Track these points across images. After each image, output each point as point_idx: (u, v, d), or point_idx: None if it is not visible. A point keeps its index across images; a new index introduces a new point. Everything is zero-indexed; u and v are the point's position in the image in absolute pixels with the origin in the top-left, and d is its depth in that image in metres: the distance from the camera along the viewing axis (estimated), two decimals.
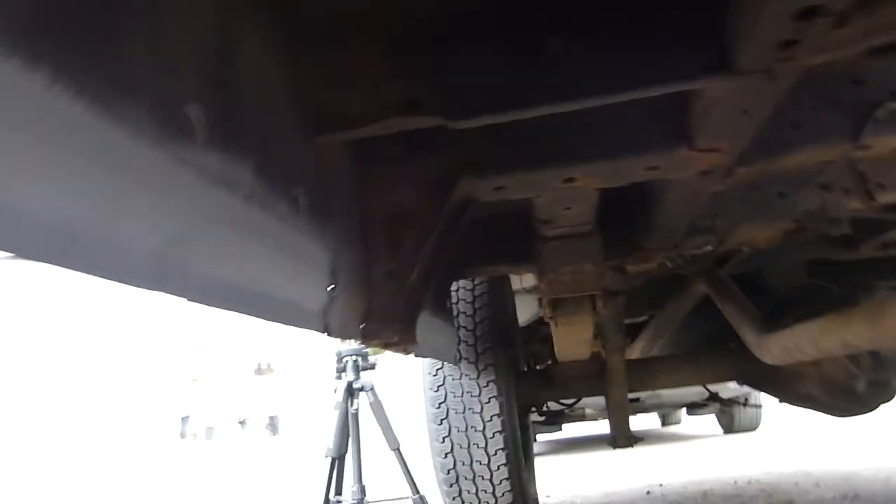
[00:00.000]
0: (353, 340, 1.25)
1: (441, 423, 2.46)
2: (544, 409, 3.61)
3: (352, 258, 1.18)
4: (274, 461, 10.58)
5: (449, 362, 2.40)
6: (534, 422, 3.44)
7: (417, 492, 2.71)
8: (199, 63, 0.71)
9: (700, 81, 1.02)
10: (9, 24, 0.45)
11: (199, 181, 0.69)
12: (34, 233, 0.52)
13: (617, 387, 2.66)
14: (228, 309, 0.79)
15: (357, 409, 2.77)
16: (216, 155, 0.71)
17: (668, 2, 1.00)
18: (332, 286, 1.07)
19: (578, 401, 3.23)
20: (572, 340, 2.23)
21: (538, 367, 3.27)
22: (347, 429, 2.74)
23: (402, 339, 1.28)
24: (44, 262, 0.53)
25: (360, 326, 1.23)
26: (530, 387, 2.86)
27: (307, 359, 23.35)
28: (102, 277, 0.59)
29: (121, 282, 0.61)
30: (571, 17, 1.05)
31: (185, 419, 22.96)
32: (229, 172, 0.74)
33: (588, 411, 5.48)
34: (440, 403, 2.46)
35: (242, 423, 24.03)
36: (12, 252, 0.50)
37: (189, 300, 0.69)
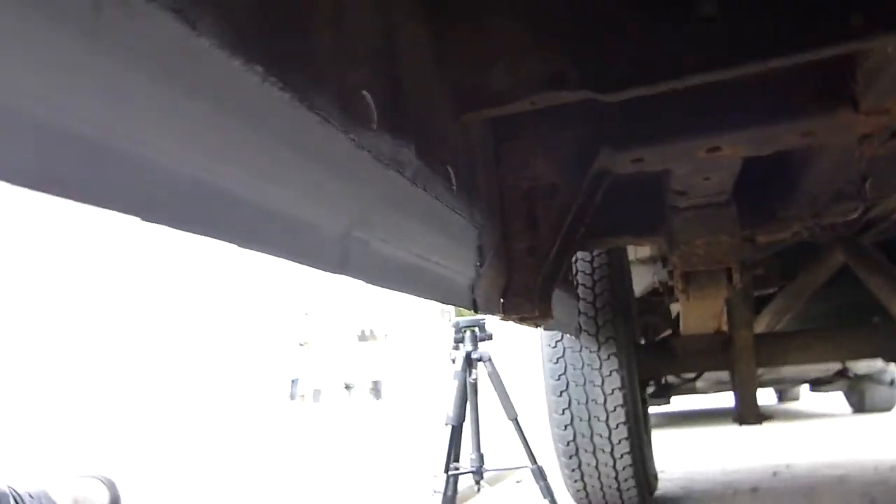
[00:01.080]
0: (492, 315, 1.26)
1: (561, 395, 2.46)
2: (661, 382, 3.53)
3: (494, 234, 1.18)
4: (380, 425, 10.98)
5: (570, 334, 2.39)
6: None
7: (535, 462, 2.73)
8: (369, 53, 0.72)
9: (876, 39, 0.94)
10: (233, 24, 0.47)
11: (375, 164, 0.70)
12: (240, 218, 0.55)
13: (744, 362, 2.55)
14: (396, 289, 0.81)
15: (475, 379, 2.81)
16: (387, 138, 0.73)
17: None
18: (480, 262, 1.08)
19: (700, 375, 3.13)
20: (702, 314, 2.15)
21: (656, 340, 3.19)
22: (466, 398, 2.78)
23: (541, 313, 1.28)
24: (244, 247, 0.56)
25: (501, 301, 1.24)
26: (651, 360, 2.80)
27: (408, 326, 23.95)
28: (293, 261, 0.62)
29: (309, 265, 0.64)
30: None
31: (294, 381, 24.24)
32: (397, 154, 0.75)
33: (699, 384, 5.29)
34: (560, 375, 2.46)
35: (348, 387, 25.07)
36: (218, 238, 0.53)
37: (367, 282, 0.72)
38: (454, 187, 0.95)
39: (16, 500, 1.85)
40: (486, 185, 1.17)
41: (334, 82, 0.63)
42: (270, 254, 0.58)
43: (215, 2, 0.46)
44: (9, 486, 1.88)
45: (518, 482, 3.54)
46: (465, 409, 2.78)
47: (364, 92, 0.69)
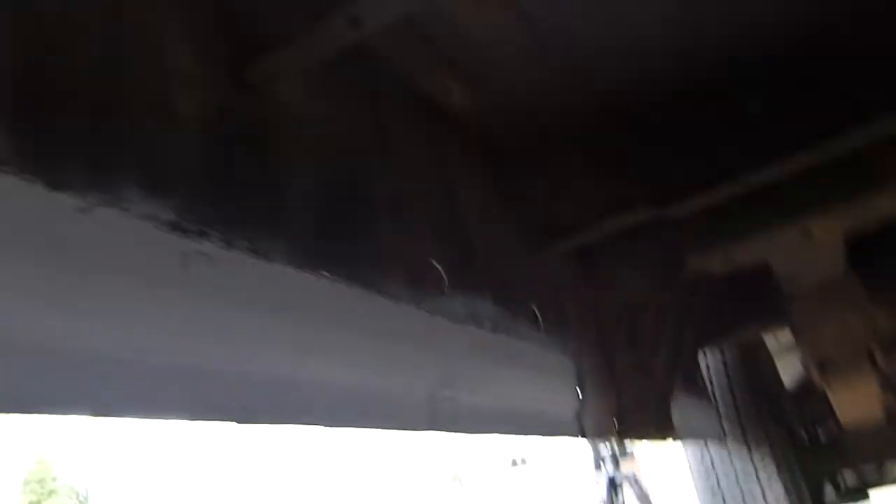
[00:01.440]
0: (606, 439, 1.24)
1: None
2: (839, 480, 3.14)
3: (594, 356, 1.19)
4: None
5: (712, 439, 2.23)
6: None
7: None
8: (433, 221, 0.81)
9: None
10: (300, 245, 0.57)
11: (452, 325, 0.77)
12: (328, 404, 0.62)
13: None
14: (492, 433, 0.84)
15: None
16: (461, 298, 0.79)
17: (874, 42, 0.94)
18: (581, 389, 1.09)
19: (882, 465, 2.77)
20: (855, 402, 1.96)
21: (821, 432, 2.89)
22: None
23: (659, 428, 1.25)
24: (336, 427, 0.62)
25: (615, 423, 1.22)
26: (818, 457, 2.53)
27: (560, 448, 22.88)
28: (384, 429, 0.68)
29: (400, 429, 0.70)
30: (765, 73, 1.02)
31: None
32: (474, 310, 0.81)
33: None
34: (714, 490, 2.27)
35: None
36: (313, 423, 0.60)
37: (461, 433, 0.76)
38: (540, 323, 0.99)
39: None
40: (577, 311, 1.20)
41: (400, 263, 0.71)
42: (357, 427, 0.64)
43: (283, 232, 0.56)
44: None
45: None
46: None
47: (432, 261, 0.77)
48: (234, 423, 0.51)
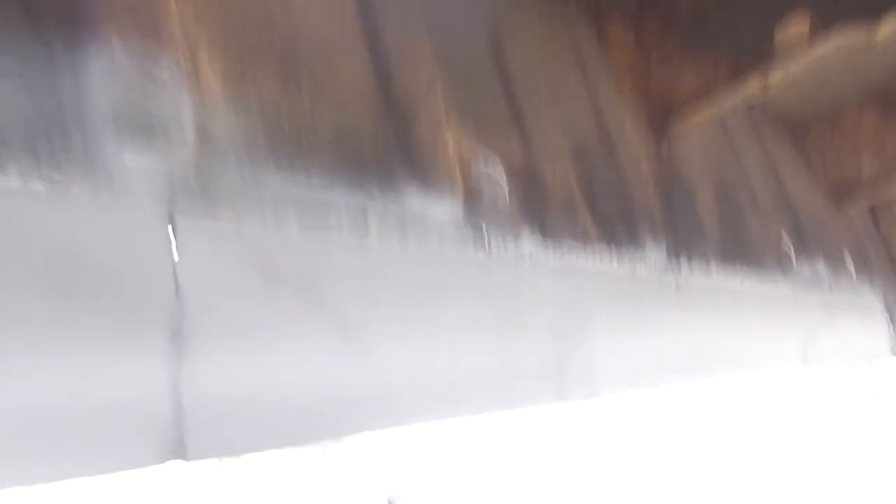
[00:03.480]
0: None
1: None
2: None
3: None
4: None
5: None
6: None
7: None
8: (772, 201, 1.02)
9: None
10: (719, 247, 0.82)
11: (798, 291, 0.99)
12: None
13: None
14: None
15: None
16: (803, 269, 1.01)
17: None
18: (890, 316, 1.26)
19: None
20: None
21: None
22: None
23: None
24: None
25: None
26: None
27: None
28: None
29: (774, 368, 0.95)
30: None
31: None
32: (814, 275, 1.03)
33: None
34: None
35: None
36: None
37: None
38: (853, 270, 1.17)
39: None
40: (878, 257, 1.34)
41: (766, 245, 0.94)
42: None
43: (706, 242, 0.81)
44: None
45: None
46: None
47: (783, 237, 0.99)
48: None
